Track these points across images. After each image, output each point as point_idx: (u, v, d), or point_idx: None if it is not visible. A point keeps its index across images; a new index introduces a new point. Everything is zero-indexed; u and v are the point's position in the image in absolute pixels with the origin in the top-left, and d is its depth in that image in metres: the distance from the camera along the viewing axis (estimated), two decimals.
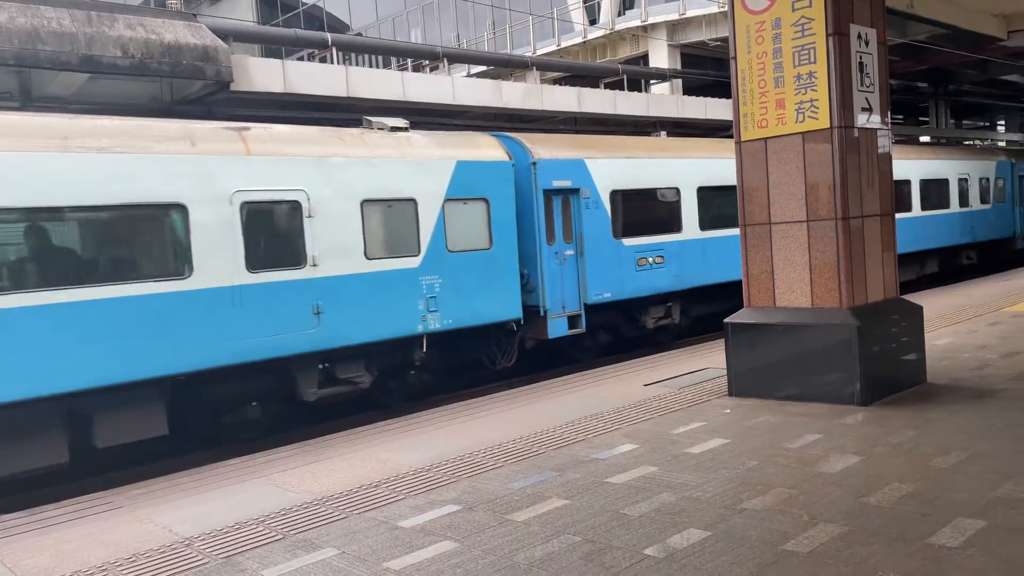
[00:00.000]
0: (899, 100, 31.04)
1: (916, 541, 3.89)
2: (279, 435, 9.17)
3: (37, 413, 7.37)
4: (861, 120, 6.96)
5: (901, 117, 35.64)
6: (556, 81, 24.58)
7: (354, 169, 9.51)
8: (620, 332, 13.21)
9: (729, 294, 12.60)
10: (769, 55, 7.05)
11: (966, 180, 21.30)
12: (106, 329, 7.51)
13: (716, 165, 14.20)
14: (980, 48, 20.11)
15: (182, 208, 8.11)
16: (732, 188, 10.78)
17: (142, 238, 7.98)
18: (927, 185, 19.78)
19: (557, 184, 11.60)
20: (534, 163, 11.35)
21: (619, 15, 25.35)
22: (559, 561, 3.99)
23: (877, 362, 6.89)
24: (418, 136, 10.69)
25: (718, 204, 14.08)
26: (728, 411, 6.94)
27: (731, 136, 7.68)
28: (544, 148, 11.77)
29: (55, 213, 7.40)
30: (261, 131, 9.13)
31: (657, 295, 13.11)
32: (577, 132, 19.00)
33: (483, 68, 24.86)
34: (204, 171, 8.28)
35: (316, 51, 19.56)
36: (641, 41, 25.02)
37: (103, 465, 8.45)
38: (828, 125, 6.78)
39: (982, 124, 41.34)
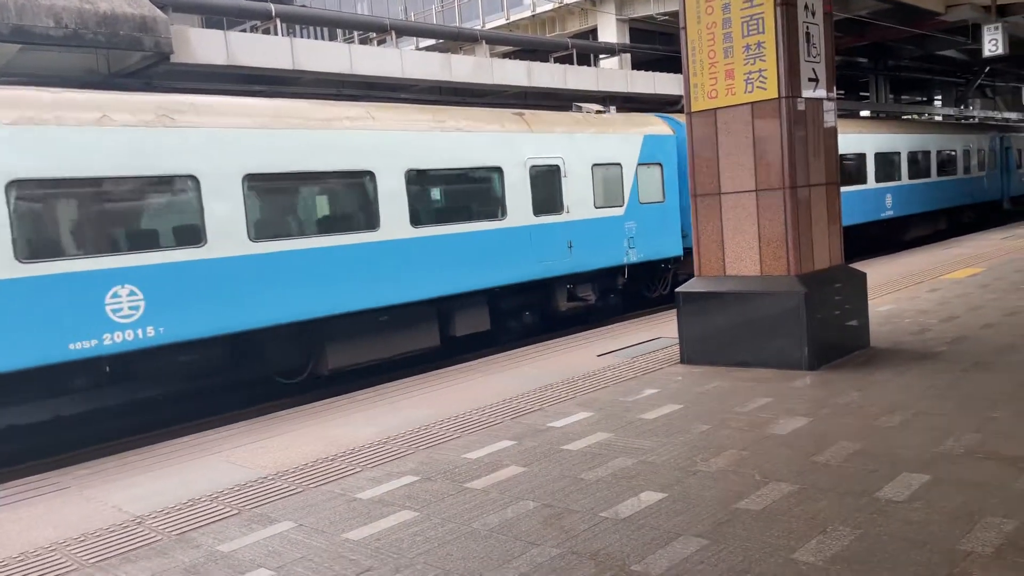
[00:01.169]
0: (841, 75, 31.63)
1: (864, 496, 4.01)
2: (229, 413, 9.02)
3: (423, 311, 10.44)
4: (808, 90, 7.07)
5: (843, 92, 36.35)
6: (506, 55, 24.41)
7: (587, 141, 12.56)
8: None
9: None
10: (719, 25, 7.09)
11: (969, 152, 24.19)
12: (469, 254, 10.62)
13: None
14: (919, 23, 20.58)
15: (500, 170, 11.17)
16: None
17: (481, 192, 11.12)
18: (941, 155, 22.56)
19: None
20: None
21: None
22: (518, 526, 4.02)
23: (823, 328, 7.06)
24: (615, 116, 14.06)
25: None
26: (680, 378, 7.05)
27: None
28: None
29: (456, 174, 10.79)
30: (532, 115, 12.23)
31: None
32: (527, 107, 18.93)
33: (432, 42, 24.55)
34: (512, 143, 11.36)
35: (260, 23, 19.03)
36: (590, 15, 24.98)
37: (50, 446, 8.21)
38: (776, 95, 6.87)
39: (920, 99, 42.41)
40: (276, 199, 8.74)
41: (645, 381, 7.07)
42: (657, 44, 25.08)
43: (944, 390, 5.90)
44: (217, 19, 25.46)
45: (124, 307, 7.47)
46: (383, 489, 4.80)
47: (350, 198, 9.47)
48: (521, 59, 21.43)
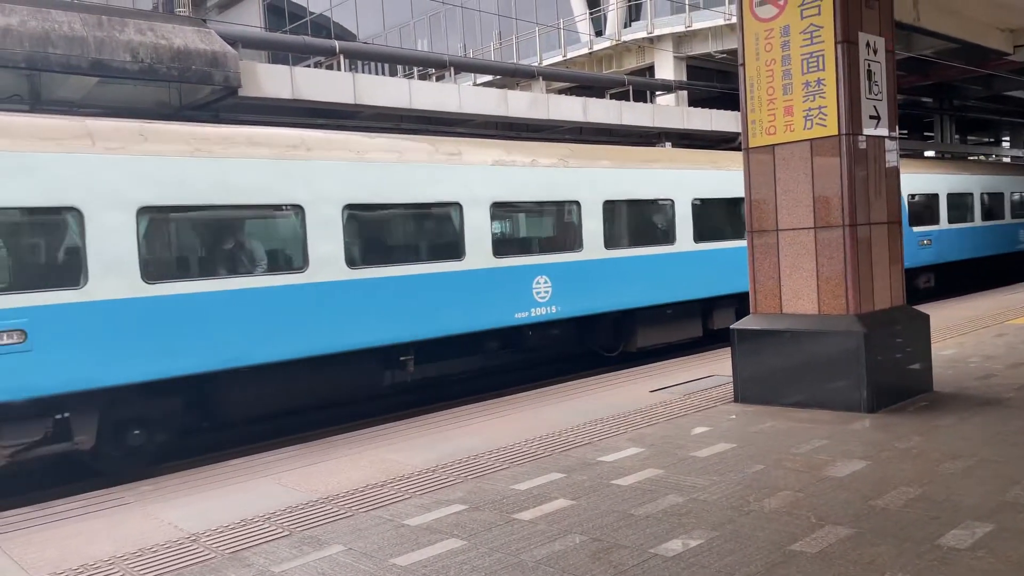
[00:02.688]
0: (904, 115, 31.10)
1: (925, 543, 3.88)
2: (282, 437, 9.17)
3: (694, 309, 12.91)
4: (869, 128, 6.99)
5: (906, 132, 35.72)
6: (562, 91, 24.68)
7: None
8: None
9: None
10: (778, 62, 7.08)
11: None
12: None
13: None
14: (986, 63, 20.17)
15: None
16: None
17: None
18: (1020, 197, 23.23)
19: None
20: None
21: (625, 26, 25.49)
22: (566, 559, 3.99)
23: (883, 370, 6.88)
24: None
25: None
26: (734, 417, 6.94)
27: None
28: None
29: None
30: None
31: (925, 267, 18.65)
32: (583, 143, 19.06)
33: (489, 77, 24.98)
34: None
35: (323, 59, 19.65)
36: (647, 52, 25.14)
37: (116, 462, 8.45)
38: (836, 132, 6.80)
39: (987, 140, 41.40)
40: (619, 218, 12.02)
41: (698, 418, 6.98)
42: (714, 81, 25.08)
43: (1010, 437, 5.68)
44: (283, 54, 26.39)
45: (543, 291, 10.70)
46: (431, 516, 4.81)
47: (658, 220, 12.62)
48: (577, 95, 21.62)
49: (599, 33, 26.35)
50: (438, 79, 24.09)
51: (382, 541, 4.45)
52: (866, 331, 6.72)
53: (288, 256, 8.61)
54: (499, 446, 6.47)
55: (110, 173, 7.33)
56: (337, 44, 17.62)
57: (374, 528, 4.67)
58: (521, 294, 10.39)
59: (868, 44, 6.94)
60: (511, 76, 22.53)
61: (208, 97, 13.85)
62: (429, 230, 10.06)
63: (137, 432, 7.89)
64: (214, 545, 4.59)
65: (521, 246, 11.10)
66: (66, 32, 11.82)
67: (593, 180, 11.47)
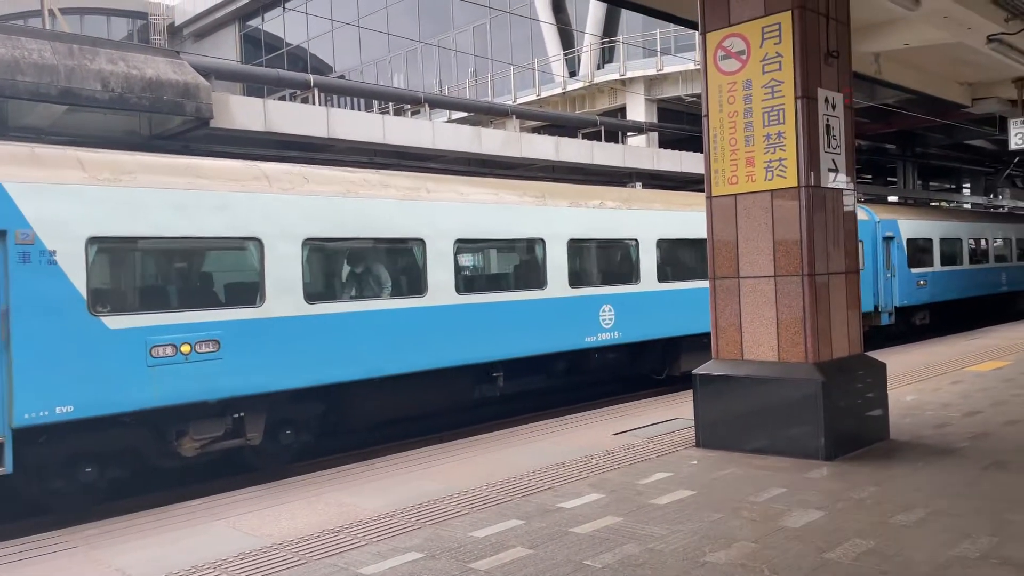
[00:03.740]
0: (868, 160, 31.89)
1: None
2: (240, 476, 9.01)
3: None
4: (828, 180, 7.16)
5: (870, 177, 36.56)
6: (535, 130, 24.97)
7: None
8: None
9: None
10: (740, 114, 7.25)
11: (1012, 241, 25.80)
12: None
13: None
14: (946, 113, 20.78)
15: None
16: None
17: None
18: (994, 243, 24.60)
19: (886, 234, 19.03)
20: (878, 222, 18.78)
21: (598, 68, 25.94)
22: None
23: (842, 417, 6.97)
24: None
25: None
26: (695, 463, 6.97)
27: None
28: (881, 213, 19.43)
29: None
30: None
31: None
32: (556, 180, 19.26)
33: (463, 114, 25.21)
34: None
35: (298, 91, 19.72)
36: (619, 94, 25.56)
37: (59, 503, 8.23)
38: (796, 184, 6.96)
39: (948, 186, 42.46)
40: (669, 255, 13.19)
41: (659, 463, 6.99)
42: (684, 123, 25.54)
43: (962, 489, 5.77)
44: (258, 86, 26.42)
45: (607, 318, 11.87)
46: (386, 565, 4.75)
47: (700, 257, 13.37)
48: (550, 134, 21.89)
49: (572, 74, 26.78)
50: (413, 114, 24.27)
51: None
52: (824, 379, 6.82)
53: (412, 282, 9.90)
54: (459, 490, 6.43)
55: (283, 209, 8.64)
56: (312, 78, 17.71)
57: None
58: (590, 320, 11.72)
59: (827, 100, 7.14)
60: (485, 114, 22.77)
61: (179, 127, 13.84)
62: (519, 262, 11.48)
63: (288, 432, 9.07)
64: None
65: (590, 278, 12.14)
66: (36, 60, 11.76)
67: (649, 221, 12.85)
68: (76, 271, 7.23)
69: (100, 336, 7.29)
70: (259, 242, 8.42)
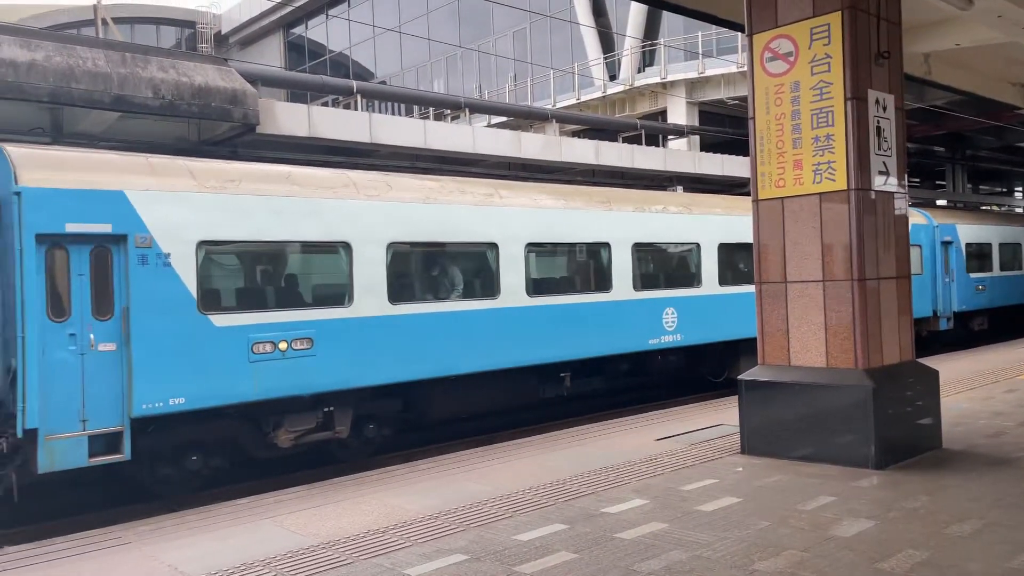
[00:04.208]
0: (916, 163, 31.23)
1: None
2: (287, 476, 9.14)
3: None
4: (878, 183, 7.03)
5: (918, 180, 35.79)
6: (575, 134, 24.95)
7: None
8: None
9: None
10: (787, 116, 7.16)
11: None
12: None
13: None
14: (997, 115, 20.26)
15: None
16: None
17: None
18: None
19: (944, 238, 18.98)
20: (936, 226, 18.71)
21: (639, 71, 25.81)
22: None
23: (892, 425, 6.83)
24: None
25: None
26: (740, 469, 6.88)
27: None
28: (939, 217, 19.35)
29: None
30: None
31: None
32: (595, 184, 19.21)
33: (503, 119, 25.29)
34: None
35: (341, 97, 19.96)
36: (660, 97, 25.42)
37: (112, 500, 8.44)
38: (845, 187, 6.84)
39: (999, 190, 41.39)
40: (729, 259, 13.43)
41: (704, 470, 6.92)
42: (726, 126, 25.30)
43: (1018, 499, 5.60)
44: (302, 92, 26.81)
45: (670, 321, 12.21)
46: (431, 566, 4.77)
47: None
48: (590, 138, 21.84)
49: (613, 77, 26.68)
50: (453, 119, 24.42)
51: None
52: (875, 386, 6.68)
53: (486, 285, 10.28)
54: (503, 493, 6.43)
55: (369, 215, 9.11)
56: (355, 84, 17.93)
57: None
58: (654, 323, 12.07)
59: (878, 101, 7.01)
60: (525, 118, 22.80)
61: (226, 133, 14.09)
62: (586, 266, 11.71)
63: (371, 426, 9.61)
64: None
65: (654, 281, 12.48)
66: (90, 68, 12.08)
67: (710, 225, 13.10)
68: (188, 272, 7.73)
69: (208, 333, 7.79)
70: (348, 246, 8.89)
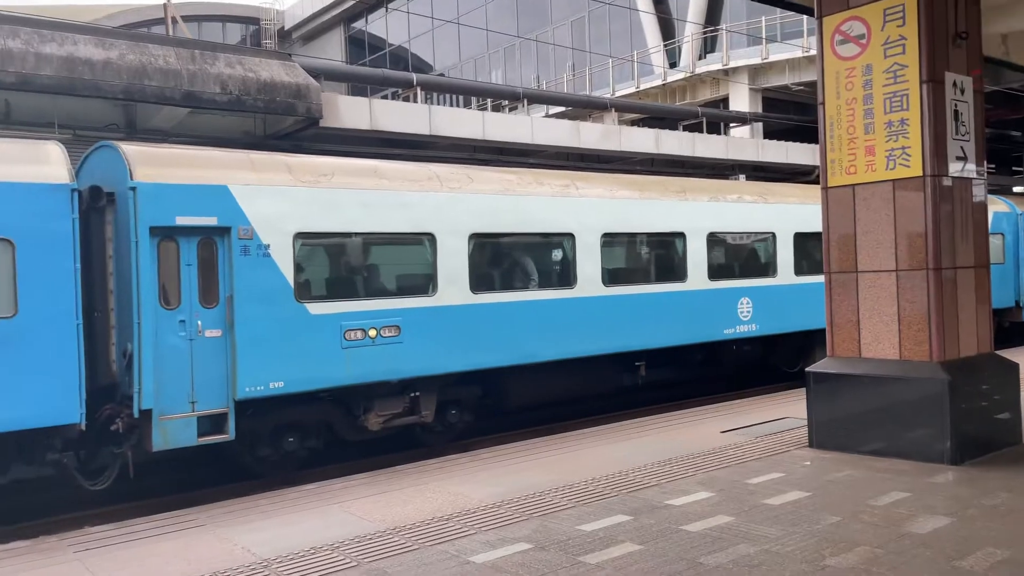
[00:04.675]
0: (991, 149, 29.95)
1: None
2: (351, 463, 9.30)
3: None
4: (955, 169, 6.77)
5: (994, 167, 34.35)
6: (634, 123, 24.67)
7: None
8: None
9: None
10: (859, 101, 6.94)
11: None
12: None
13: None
14: None
15: None
16: None
17: None
18: None
19: None
20: (1020, 214, 18.33)
21: (700, 58, 25.38)
22: None
23: (969, 420, 6.59)
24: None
25: None
26: (808, 463, 6.74)
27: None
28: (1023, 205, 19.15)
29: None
30: None
31: None
32: (654, 174, 18.98)
33: (561, 108, 25.17)
34: None
35: (401, 90, 20.15)
36: (722, 84, 24.96)
37: (188, 483, 8.72)
38: (920, 173, 6.61)
39: None
40: (805, 249, 13.08)
41: (770, 463, 6.80)
42: (790, 113, 24.71)
43: None
44: (362, 85, 27.15)
45: (745, 311, 12.13)
46: (496, 554, 4.80)
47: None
48: (649, 127, 21.58)
49: (673, 65, 26.30)
50: (511, 110, 24.42)
51: None
52: (951, 379, 6.45)
53: (563, 275, 10.44)
54: (565, 483, 6.43)
55: (452, 207, 9.35)
56: (415, 77, 18.06)
57: (439, 563, 4.69)
58: (729, 313, 12.02)
59: (955, 84, 6.74)
60: (583, 107, 22.66)
61: (291, 127, 14.36)
62: (660, 256, 11.75)
63: (454, 412, 9.92)
64: (284, 572, 4.68)
65: (729, 271, 12.37)
66: (161, 65, 12.44)
67: (786, 215, 12.95)
68: (285, 263, 8.09)
69: (304, 321, 8.16)
70: (432, 237, 9.15)
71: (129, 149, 7.66)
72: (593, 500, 5.90)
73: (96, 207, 7.62)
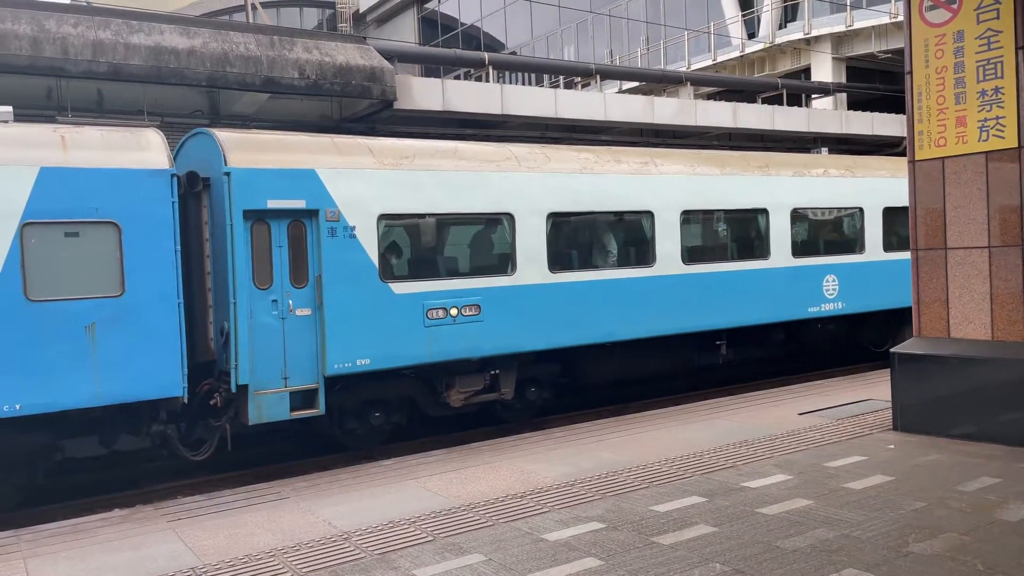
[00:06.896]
0: None
1: None
2: (427, 439, 9.50)
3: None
4: None
5: None
6: (710, 96, 24.08)
7: None
8: None
9: None
10: (949, 70, 6.61)
11: None
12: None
13: None
14: None
15: None
16: None
17: None
18: None
19: None
20: None
21: (780, 28, 24.52)
22: None
23: None
24: None
25: None
26: (892, 447, 6.53)
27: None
28: None
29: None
30: None
31: None
32: (733, 148, 18.53)
33: (635, 84, 24.75)
34: None
35: (472, 70, 20.19)
36: (803, 54, 24.08)
37: (268, 455, 9.07)
38: (1016, 144, 6.27)
39: None
40: (895, 224, 12.60)
41: (851, 446, 6.62)
42: (876, 82, 23.69)
43: None
44: (432, 67, 27.30)
45: (831, 289, 11.79)
46: (569, 533, 4.84)
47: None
48: (726, 100, 21.03)
49: (751, 35, 25.49)
50: (584, 87, 24.16)
51: (521, 554, 4.53)
52: None
53: (641, 253, 10.31)
54: (638, 464, 6.42)
55: (530, 187, 9.39)
56: (486, 56, 18.05)
57: (513, 540, 4.76)
58: (814, 290, 11.70)
59: None
60: (658, 82, 22.21)
61: (366, 110, 14.57)
62: (742, 233, 11.42)
63: (533, 389, 10.02)
64: (364, 545, 4.84)
65: (814, 248, 12.04)
66: (242, 52, 12.79)
67: (875, 189, 12.45)
68: (370, 244, 8.31)
69: (388, 300, 8.38)
70: (511, 216, 9.22)
71: (223, 135, 7.94)
72: (667, 481, 5.88)
73: (193, 191, 7.94)
